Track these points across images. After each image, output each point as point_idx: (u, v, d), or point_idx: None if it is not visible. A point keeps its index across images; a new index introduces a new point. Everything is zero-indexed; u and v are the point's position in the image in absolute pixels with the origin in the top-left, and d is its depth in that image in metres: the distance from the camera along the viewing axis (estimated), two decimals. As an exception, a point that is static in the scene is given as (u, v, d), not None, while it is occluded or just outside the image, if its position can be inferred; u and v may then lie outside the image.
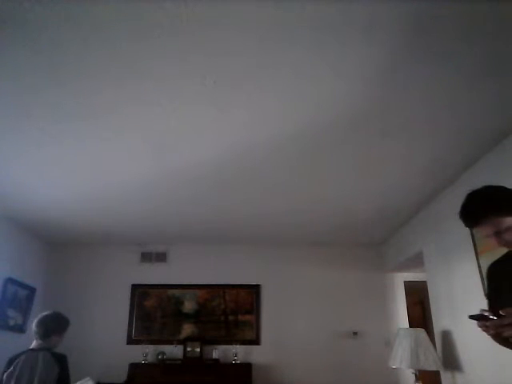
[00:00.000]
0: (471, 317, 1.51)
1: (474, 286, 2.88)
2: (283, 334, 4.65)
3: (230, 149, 2.74)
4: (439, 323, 3.57)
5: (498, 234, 1.47)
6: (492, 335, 1.44)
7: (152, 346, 4.52)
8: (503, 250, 1.66)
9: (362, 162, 2.92)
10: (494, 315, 1.39)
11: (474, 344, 2.94)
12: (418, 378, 3.59)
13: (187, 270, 4.89)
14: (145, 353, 4.42)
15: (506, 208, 1.45)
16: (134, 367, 4.37)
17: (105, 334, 4.63)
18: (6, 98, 2.20)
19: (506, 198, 1.48)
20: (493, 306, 1.55)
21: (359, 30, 1.74)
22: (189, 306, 4.79)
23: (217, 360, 4.43)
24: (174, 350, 4.51)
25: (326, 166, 2.99)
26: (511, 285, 1.60)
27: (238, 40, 1.80)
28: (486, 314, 1.41)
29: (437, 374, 3.75)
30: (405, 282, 4.86)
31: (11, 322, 4.14)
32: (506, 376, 2.54)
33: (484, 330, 1.45)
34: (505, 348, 1.58)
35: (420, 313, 4.92)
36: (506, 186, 1.56)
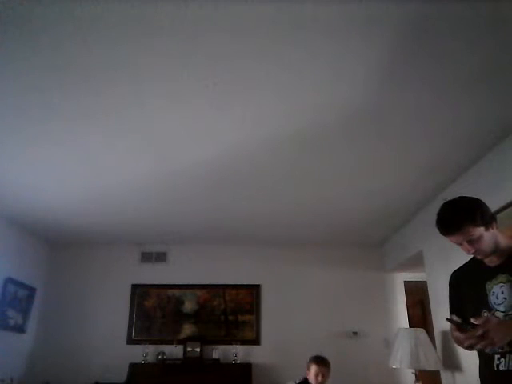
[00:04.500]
0: (449, 320, 1.55)
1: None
2: (283, 334, 4.65)
3: (229, 149, 2.74)
4: (439, 323, 3.56)
5: (470, 242, 1.55)
6: (466, 347, 1.48)
7: (152, 346, 4.51)
8: None
9: (361, 161, 2.92)
10: (467, 324, 1.43)
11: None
12: (418, 378, 3.59)
13: (187, 270, 4.89)
14: (145, 353, 4.42)
15: (480, 218, 1.54)
16: (134, 367, 4.37)
17: (105, 334, 4.62)
18: (6, 98, 2.20)
19: (479, 209, 1.57)
20: (457, 315, 1.61)
21: (358, 30, 1.74)
22: (189, 305, 4.79)
23: (217, 360, 4.42)
24: (174, 350, 4.50)
25: (325, 165, 2.99)
26: (473, 292, 1.66)
27: (238, 41, 1.80)
28: (462, 324, 1.46)
29: (437, 373, 3.76)
30: (405, 281, 4.86)
31: (11, 322, 4.14)
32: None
33: (457, 343, 1.51)
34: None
35: (420, 313, 4.91)
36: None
